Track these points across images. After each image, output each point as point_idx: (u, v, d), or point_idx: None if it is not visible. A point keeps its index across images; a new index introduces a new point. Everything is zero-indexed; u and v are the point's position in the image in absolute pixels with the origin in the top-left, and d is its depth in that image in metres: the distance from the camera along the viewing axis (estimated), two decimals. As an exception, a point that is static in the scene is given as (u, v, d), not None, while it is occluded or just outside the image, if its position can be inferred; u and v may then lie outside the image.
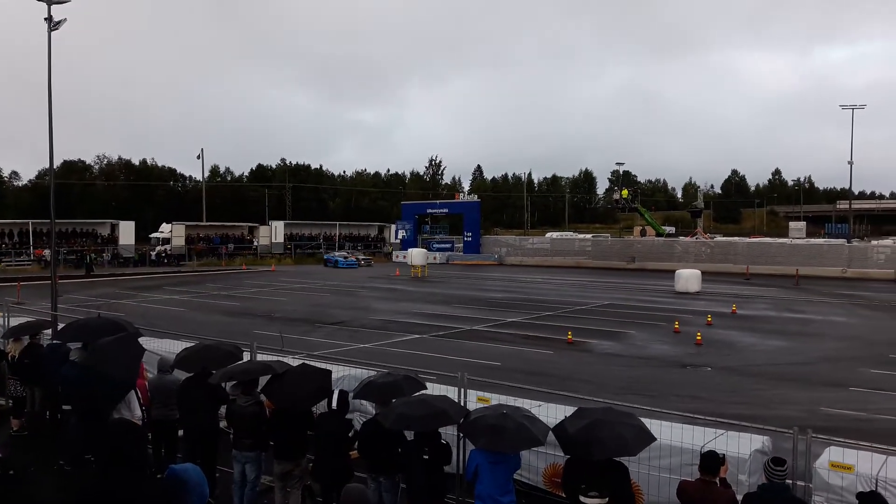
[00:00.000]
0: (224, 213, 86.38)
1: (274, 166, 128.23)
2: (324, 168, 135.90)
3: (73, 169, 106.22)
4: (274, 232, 67.55)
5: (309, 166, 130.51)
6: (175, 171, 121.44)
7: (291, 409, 7.69)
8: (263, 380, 8.09)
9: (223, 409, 8.59)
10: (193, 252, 58.83)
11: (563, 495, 6.62)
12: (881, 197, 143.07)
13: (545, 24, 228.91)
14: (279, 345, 13.03)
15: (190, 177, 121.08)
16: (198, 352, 9.03)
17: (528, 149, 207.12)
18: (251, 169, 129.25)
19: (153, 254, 56.63)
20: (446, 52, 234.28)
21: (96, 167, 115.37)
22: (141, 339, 9.72)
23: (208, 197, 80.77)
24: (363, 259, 59.89)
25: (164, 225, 61.40)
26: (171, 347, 11.12)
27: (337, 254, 60.72)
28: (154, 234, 61.07)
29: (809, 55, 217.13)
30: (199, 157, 76.11)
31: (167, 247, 57.76)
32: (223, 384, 8.49)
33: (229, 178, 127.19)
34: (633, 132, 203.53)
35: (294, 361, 9.43)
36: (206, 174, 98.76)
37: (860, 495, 5.33)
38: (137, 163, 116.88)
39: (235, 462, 8.09)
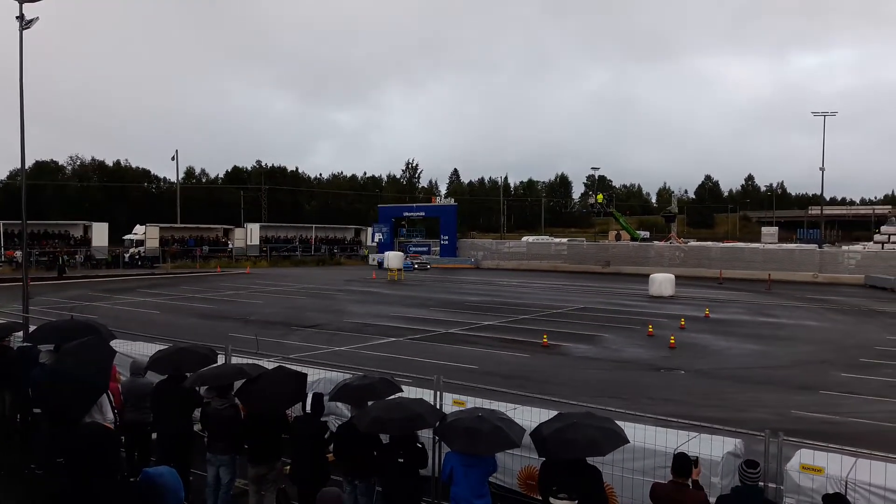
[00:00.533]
0: (199, 215, 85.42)
1: (250, 168, 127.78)
2: (300, 170, 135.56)
3: (46, 169, 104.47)
4: (249, 234, 67.13)
5: (285, 168, 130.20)
6: (149, 172, 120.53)
7: (266, 412, 7.64)
8: (240, 382, 8.03)
9: (197, 412, 8.52)
10: (167, 254, 58.26)
11: (539, 497, 6.64)
12: (851, 203, 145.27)
13: (523, 29, 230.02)
14: (255, 348, 12.94)
15: (164, 178, 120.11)
16: (171, 354, 8.95)
17: (504, 153, 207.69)
18: (227, 171, 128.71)
19: (127, 256, 56.04)
20: (424, 55, 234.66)
21: (69, 168, 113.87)
22: (114, 342, 9.59)
23: (183, 199, 79.95)
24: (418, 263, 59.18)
25: (137, 227, 60.64)
26: (145, 350, 11.03)
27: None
28: (128, 236, 60.25)
29: (783, 62, 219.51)
30: (173, 159, 75.73)
31: (141, 249, 57.09)
32: (196, 388, 8.42)
33: (204, 180, 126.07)
34: (609, 137, 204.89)
35: (270, 364, 9.37)
36: (181, 176, 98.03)
37: (825, 497, 5.41)
38: (111, 164, 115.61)
39: (209, 465, 8.02)
